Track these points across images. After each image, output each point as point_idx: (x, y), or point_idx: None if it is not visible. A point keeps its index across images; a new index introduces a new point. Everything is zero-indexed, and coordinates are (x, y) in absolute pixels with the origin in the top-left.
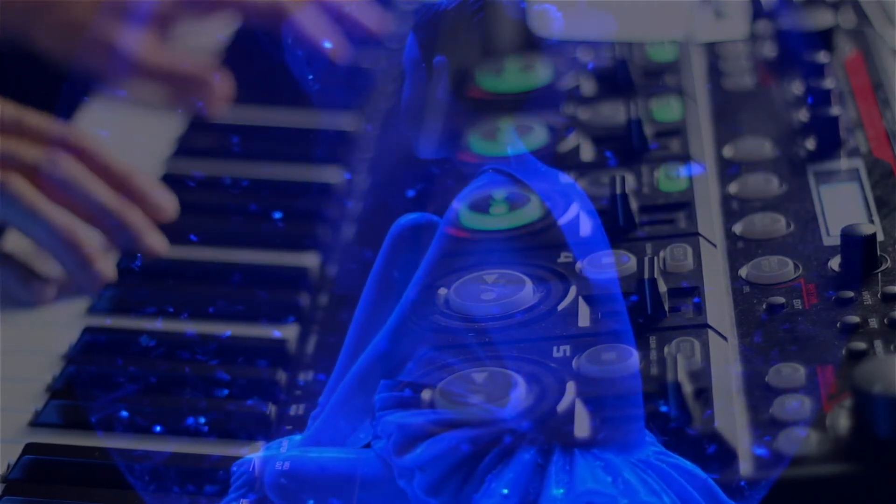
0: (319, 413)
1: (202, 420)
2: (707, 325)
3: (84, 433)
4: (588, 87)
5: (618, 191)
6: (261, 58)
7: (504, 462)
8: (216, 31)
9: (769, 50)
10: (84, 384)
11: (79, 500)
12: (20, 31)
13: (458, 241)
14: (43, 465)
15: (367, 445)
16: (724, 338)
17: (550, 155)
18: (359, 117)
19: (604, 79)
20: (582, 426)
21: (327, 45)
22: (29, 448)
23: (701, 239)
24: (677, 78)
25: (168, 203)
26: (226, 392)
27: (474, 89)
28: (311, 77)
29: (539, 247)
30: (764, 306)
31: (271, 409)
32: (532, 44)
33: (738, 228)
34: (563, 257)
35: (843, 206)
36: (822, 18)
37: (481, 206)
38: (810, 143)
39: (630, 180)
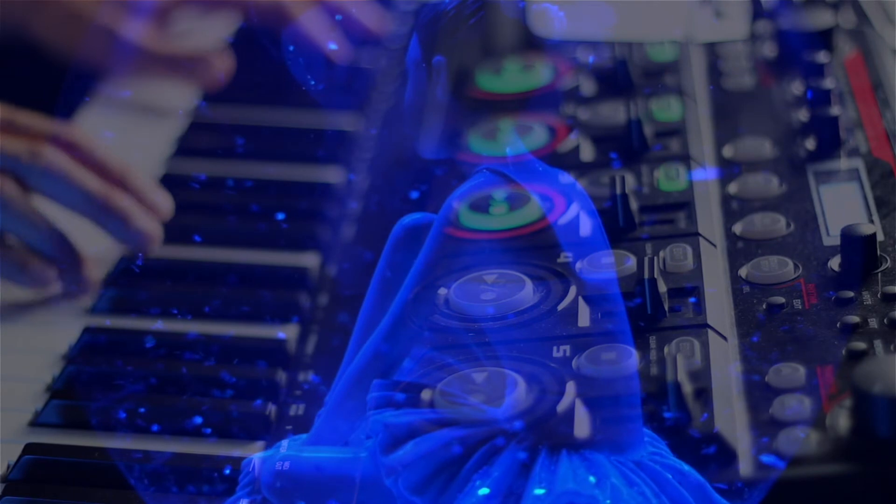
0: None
1: (202, 420)
2: (707, 325)
3: (84, 433)
4: (588, 87)
5: (618, 191)
6: (261, 57)
7: (490, 462)
8: (217, 30)
9: (769, 50)
10: (84, 384)
11: (79, 500)
12: (21, 24)
13: (456, 240)
14: (43, 465)
15: None
16: (724, 338)
17: (550, 155)
18: (359, 117)
19: (604, 79)
20: (582, 426)
21: (328, 45)
22: (29, 448)
23: (701, 239)
24: (677, 78)
25: (164, 202)
26: (226, 392)
27: (474, 89)
28: (311, 77)
29: (539, 247)
30: (764, 306)
31: (271, 410)
32: (532, 44)
33: (738, 228)
34: (563, 257)
35: (842, 206)
36: (822, 18)
37: (481, 206)
38: (810, 143)
39: (630, 180)
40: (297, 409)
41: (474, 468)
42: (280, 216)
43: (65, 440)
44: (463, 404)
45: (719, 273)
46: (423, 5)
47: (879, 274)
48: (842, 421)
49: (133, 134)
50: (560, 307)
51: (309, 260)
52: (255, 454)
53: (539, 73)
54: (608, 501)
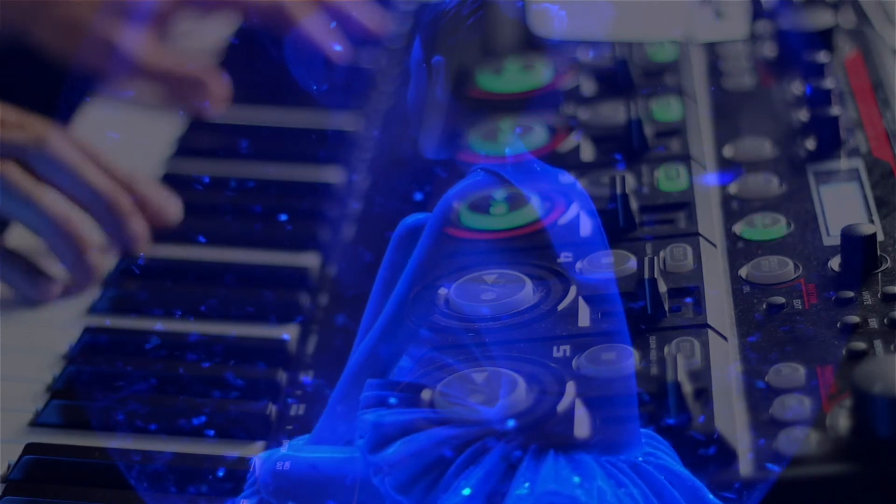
0: None
1: (202, 420)
2: (707, 325)
3: (84, 433)
4: (588, 87)
5: (618, 191)
6: (261, 58)
7: (477, 462)
8: (217, 30)
9: (769, 50)
10: (84, 384)
11: (79, 500)
12: (20, 28)
13: (455, 240)
14: (43, 465)
15: None
16: (724, 338)
17: (550, 155)
18: (359, 117)
19: (604, 79)
20: (582, 426)
21: (327, 45)
22: (29, 448)
23: (701, 239)
24: (677, 78)
25: (172, 205)
26: (226, 392)
27: (474, 89)
28: (311, 77)
29: (539, 247)
30: (764, 306)
31: (271, 410)
32: (532, 44)
33: (738, 228)
34: (563, 257)
35: (843, 206)
36: (822, 18)
37: (481, 206)
38: (810, 143)
39: (630, 180)
40: (297, 409)
41: (461, 468)
42: (280, 216)
43: (65, 440)
44: (459, 404)
45: (719, 273)
46: (424, 5)
47: (879, 274)
48: (842, 421)
49: (133, 134)
50: (560, 307)
51: (309, 260)
52: (259, 454)
53: (539, 73)
54: (592, 502)
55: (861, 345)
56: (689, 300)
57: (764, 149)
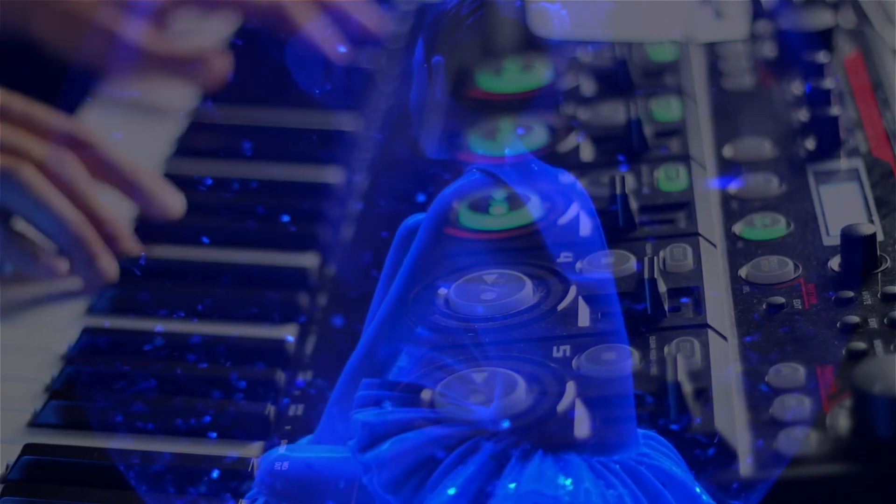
0: None
1: (201, 421)
2: (707, 325)
3: (83, 434)
4: (588, 87)
5: (618, 191)
6: (261, 58)
7: (465, 462)
8: (217, 30)
9: (769, 50)
10: (83, 385)
11: (77, 501)
12: (21, 23)
13: (454, 240)
14: (42, 465)
15: None
16: (724, 338)
17: (550, 155)
18: (358, 117)
19: (604, 79)
20: (581, 426)
21: (327, 45)
22: (28, 448)
23: (701, 239)
24: (677, 78)
25: (175, 201)
26: (225, 393)
27: (473, 89)
28: (310, 77)
29: (539, 247)
30: (764, 306)
31: (270, 410)
32: (531, 43)
33: (737, 228)
34: (563, 257)
35: (842, 206)
36: (822, 18)
37: (480, 206)
38: (810, 143)
39: (630, 180)
40: (296, 410)
41: (450, 468)
42: (280, 216)
43: (64, 440)
44: (454, 404)
45: (719, 273)
46: (424, 5)
47: (879, 274)
48: (842, 421)
49: (133, 134)
50: (560, 307)
51: (309, 260)
52: (260, 454)
53: (539, 73)
54: (575, 503)
55: (861, 345)
56: (684, 300)
57: (764, 149)
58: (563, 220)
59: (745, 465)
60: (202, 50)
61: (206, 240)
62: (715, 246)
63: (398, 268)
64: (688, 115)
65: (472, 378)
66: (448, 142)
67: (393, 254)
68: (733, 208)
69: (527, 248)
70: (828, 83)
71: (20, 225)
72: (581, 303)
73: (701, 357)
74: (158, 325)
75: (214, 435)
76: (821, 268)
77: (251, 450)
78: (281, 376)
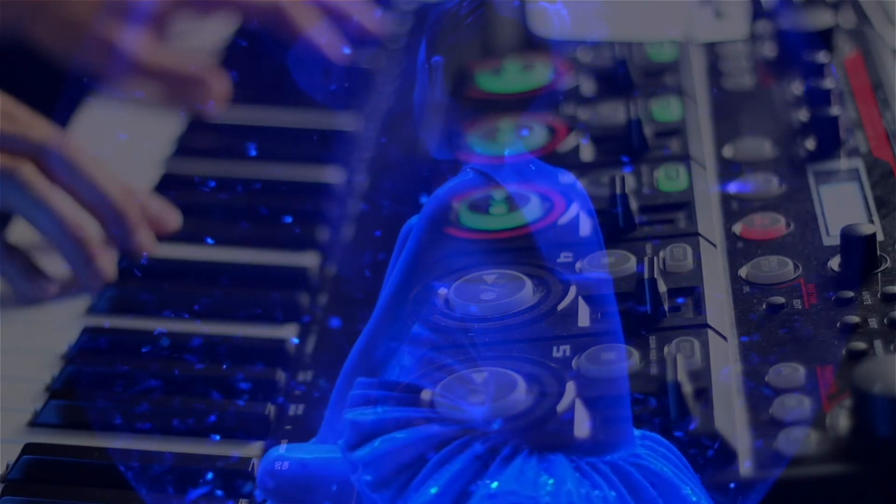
0: None
1: (201, 421)
2: (707, 325)
3: (83, 433)
4: (588, 87)
5: (618, 191)
6: (260, 58)
7: (451, 461)
8: (216, 30)
9: (769, 50)
10: (83, 384)
11: (77, 501)
12: (19, 28)
13: (454, 240)
14: (42, 465)
15: None
16: (724, 338)
17: (550, 155)
18: (358, 117)
19: (604, 79)
20: (581, 427)
21: (327, 45)
22: (28, 448)
23: (701, 239)
24: (677, 78)
25: (169, 216)
26: (225, 393)
27: (473, 89)
28: (310, 77)
29: (539, 247)
30: (764, 306)
31: (270, 410)
32: (531, 43)
33: (737, 228)
34: (563, 257)
35: (842, 206)
36: (822, 18)
37: (480, 206)
38: (810, 143)
39: (630, 180)
40: (296, 409)
41: (436, 468)
42: (280, 216)
43: (64, 440)
44: (447, 404)
45: (719, 273)
46: (424, 5)
47: (879, 274)
48: (842, 421)
49: (133, 134)
50: (560, 307)
51: (309, 260)
52: (261, 454)
53: (539, 73)
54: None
55: (861, 345)
56: (680, 300)
57: (764, 149)
58: (563, 220)
59: (745, 466)
60: (201, 68)
61: (199, 239)
62: (715, 246)
63: None
64: (688, 116)
65: (471, 378)
66: (448, 142)
67: (397, 255)
68: (733, 208)
69: (526, 248)
70: (828, 83)
71: (14, 239)
72: (581, 303)
73: (701, 357)
74: (159, 326)
75: (214, 435)
76: (821, 268)
77: (251, 450)
78: (281, 376)
